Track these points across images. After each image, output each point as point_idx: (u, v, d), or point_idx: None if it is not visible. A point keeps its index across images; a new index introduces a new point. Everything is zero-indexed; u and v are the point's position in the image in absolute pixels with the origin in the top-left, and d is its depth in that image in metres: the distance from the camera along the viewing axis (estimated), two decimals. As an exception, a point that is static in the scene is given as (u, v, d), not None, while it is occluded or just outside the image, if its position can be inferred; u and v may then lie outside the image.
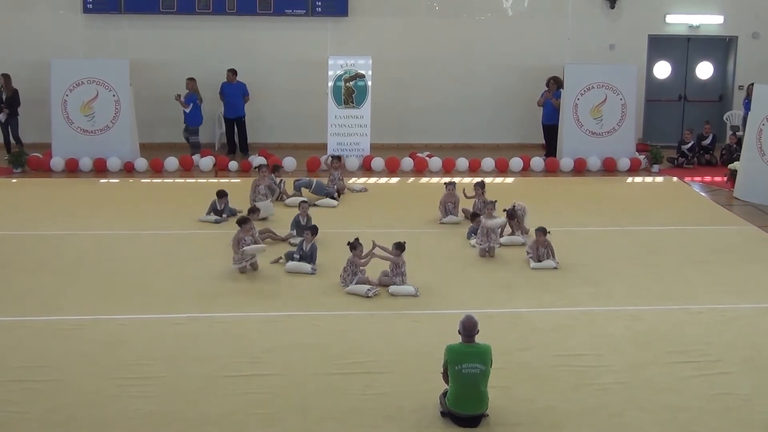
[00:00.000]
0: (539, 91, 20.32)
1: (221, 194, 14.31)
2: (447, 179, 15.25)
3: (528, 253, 12.34)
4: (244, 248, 11.56)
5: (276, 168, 16.06)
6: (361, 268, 11.13)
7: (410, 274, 11.14)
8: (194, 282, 11.31)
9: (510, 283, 11.37)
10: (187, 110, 19.29)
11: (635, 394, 8.29)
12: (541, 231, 12.20)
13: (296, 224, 13.12)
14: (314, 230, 12.15)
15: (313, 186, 15.64)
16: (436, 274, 11.58)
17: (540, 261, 12.07)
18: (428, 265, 11.98)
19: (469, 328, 7.72)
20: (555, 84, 19.72)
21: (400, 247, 11.09)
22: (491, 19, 21.38)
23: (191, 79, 19.51)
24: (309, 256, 11.86)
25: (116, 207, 15.18)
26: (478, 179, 14.99)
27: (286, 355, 9.07)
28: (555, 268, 11.93)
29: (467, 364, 7.61)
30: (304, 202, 13.59)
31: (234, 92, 19.90)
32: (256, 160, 18.23)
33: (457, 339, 7.80)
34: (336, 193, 15.79)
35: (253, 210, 13.20)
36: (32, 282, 11.25)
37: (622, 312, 10.40)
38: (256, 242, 11.84)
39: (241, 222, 11.96)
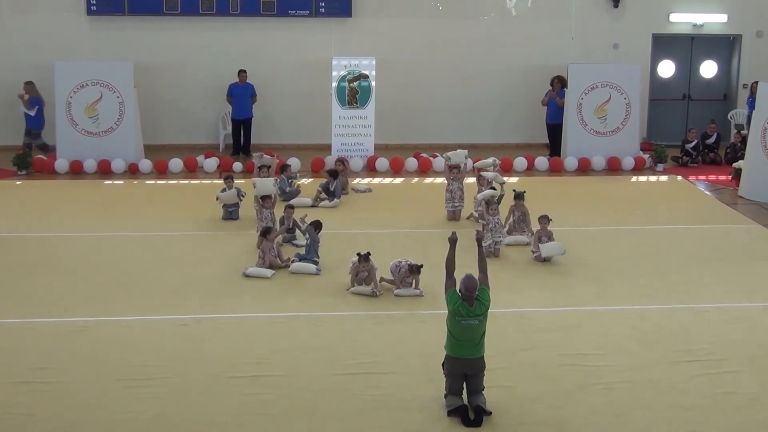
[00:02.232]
0: (543, 91, 20.31)
1: (228, 177, 14.51)
2: (451, 157, 14.81)
3: (533, 252, 12.35)
4: (248, 270, 11.61)
5: (284, 168, 16.07)
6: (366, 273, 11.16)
7: (414, 274, 11.21)
8: (199, 283, 11.32)
9: (514, 283, 11.36)
10: (32, 113, 19.11)
11: (641, 394, 8.28)
12: (545, 218, 12.37)
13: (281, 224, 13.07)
14: (317, 225, 12.09)
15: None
16: (441, 274, 11.51)
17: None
18: (432, 265, 11.93)
19: (470, 289, 7.83)
20: (559, 83, 19.71)
21: (417, 270, 11.00)
22: (495, 19, 21.36)
23: (30, 83, 19.26)
24: (309, 248, 11.90)
25: (121, 208, 15.20)
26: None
27: (291, 357, 9.07)
28: (563, 253, 12.07)
29: (467, 320, 7.79)
30: (289, 207, 13.45)
31: (243, 93, 19.96)
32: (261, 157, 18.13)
33: None
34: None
35: (268, 230, 12.46)
36: (37, 284, 11.27)
37: (627, 311, 10.39)
38: (274, 259, 11.85)
39: (265, 232, 12.02)
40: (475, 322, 7.79)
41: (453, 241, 8.41)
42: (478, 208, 13.67)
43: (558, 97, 19.58)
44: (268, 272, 11.59)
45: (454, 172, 14.33)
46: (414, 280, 10.99)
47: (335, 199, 15.46)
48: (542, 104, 20.17)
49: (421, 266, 10.96)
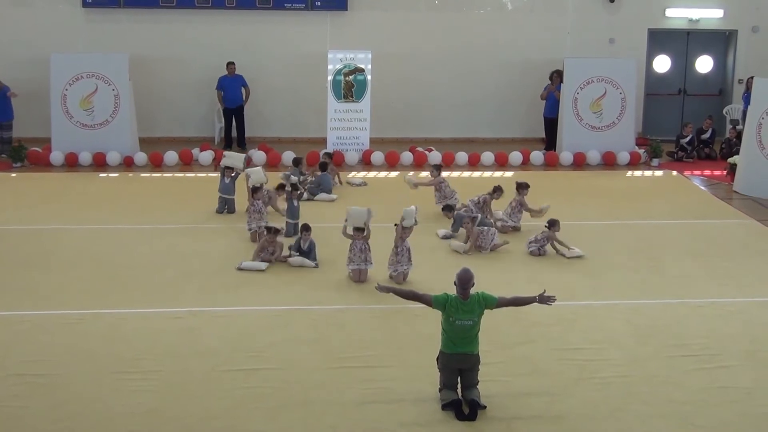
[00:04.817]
0: (539, 85, 20.33)
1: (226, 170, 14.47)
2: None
3: (529, 248, 12.34)
4: (242, 264, 11.61)
5: (297, 161, 16.02)
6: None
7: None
8: (194, 276, 11.31)
9: (510, 278, 11.37)
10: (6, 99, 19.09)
11: (636, 388, 8.30)
12: (555, 224, 12.31)
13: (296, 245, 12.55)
14: (308, 228, 12.00)
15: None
16: (436, 268, 11.57)
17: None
18: (428, 259, 11.98)
19: (464, 281, 7.85)
20: (558, 77, 19.69)
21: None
22: (491, 13, 21.36)
23: None
24: (308, 254, 11.84)
25: (116, 201, 15.17)
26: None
27: (286, 350, 9.07)
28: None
29: (460, 319, 7.79)
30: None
31: (233, 85, 19.96)
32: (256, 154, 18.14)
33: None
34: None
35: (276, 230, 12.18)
36: (32, 277, 11.26)
37: (622, 306, 10.41)
38: (271, 255, 11.81)
39: (270, 230, 11.99)
40: (469, 323, 7.78)
41: (381, 289, 8.31)
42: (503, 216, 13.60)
43: (557, 91, 19.57)
44: (263, 265, 11.58)
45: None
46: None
47: (332, 195, 15.48)
48: (541, 98, 20.20)
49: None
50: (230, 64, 19.89)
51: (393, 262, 11.16)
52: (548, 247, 12.32)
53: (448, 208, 13.54)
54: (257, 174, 13.43)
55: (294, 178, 14.47)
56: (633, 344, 9.30)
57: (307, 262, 11.69)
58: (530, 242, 12.37)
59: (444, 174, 14.57)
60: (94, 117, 18.55)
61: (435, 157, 18.55)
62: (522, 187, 13.45)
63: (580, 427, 7.61)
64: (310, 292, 10.80)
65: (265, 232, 11.99)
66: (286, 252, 11.95)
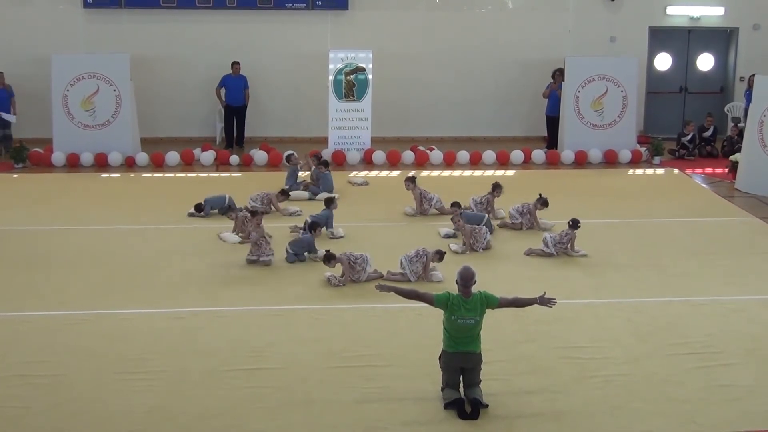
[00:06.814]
0: (540, 84, 20.32)
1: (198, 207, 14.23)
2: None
3: (548, 248, 12.21)
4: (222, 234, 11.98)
5: (288, 157, 16.01)
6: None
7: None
8: (196, 276, 11.32)
9: (511, 276, 11.37)
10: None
11: (637, 386, 8.29)
12: (576, 224, 12.26)
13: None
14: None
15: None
16: (437, 267, 11.57)
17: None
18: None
19: (466, 279, 7.84)
20: (561, 76, 19.66)
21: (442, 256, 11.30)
22: (492, 12, 21.36)
23: None
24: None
25: (117, 202, 15.18)
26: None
27: (288, 349, 9.08)
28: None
29: (463, 318, 7.77)
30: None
31: (236, 85, 20.02)
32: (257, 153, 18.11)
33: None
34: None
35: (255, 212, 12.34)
36: (34, 277, 11.27)
37: (623, 304, 10.40)
38: (262, 241, 11.84)
39: (252, 213, 12.11)
40: (472, 322, 7.78)
41: (382, 288, 8.29)
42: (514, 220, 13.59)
43: (559, 89, 19.56)
44: (236, 239, 12.46)
45: None
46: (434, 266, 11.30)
47: (334, 194, 15.47)
48: (543, 96, 20.20)
49: (445, 253, 11.32)
50: (235, 64, 19.94)
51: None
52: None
53: (456, 205, 13.33)
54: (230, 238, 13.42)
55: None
56: (634, 342, 9.30)
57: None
58: (553, 243, 12.18)
59: (445, 173, 14.59)
60: (96, 117, 18.56)
61: (436, 156, 18.57)
62: (542, 202, 13.41)
63: (581, 425, 7.61)
64: (311, 291, 10.81)
65: (249, 217, 12.29)
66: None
